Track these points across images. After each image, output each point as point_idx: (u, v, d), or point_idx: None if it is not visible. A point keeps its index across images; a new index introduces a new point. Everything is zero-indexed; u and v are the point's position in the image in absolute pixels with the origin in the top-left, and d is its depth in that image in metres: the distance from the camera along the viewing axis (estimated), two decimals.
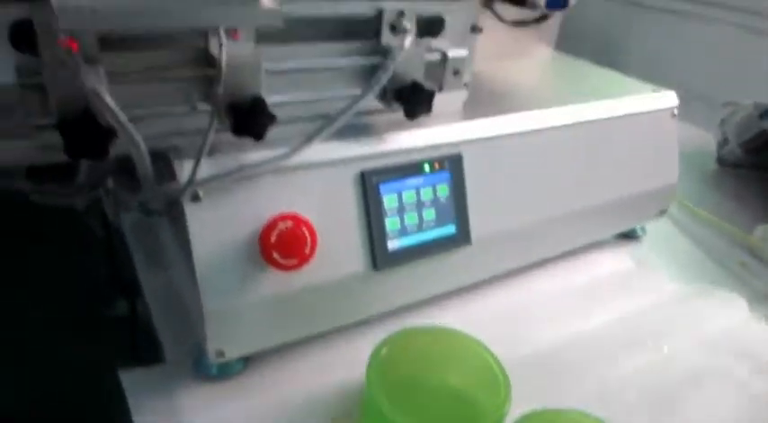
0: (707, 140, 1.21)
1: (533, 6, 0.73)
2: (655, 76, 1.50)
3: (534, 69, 0.87)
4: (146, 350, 0.66)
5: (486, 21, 0.84)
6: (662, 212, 0.85)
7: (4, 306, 0.81)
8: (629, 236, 0.88)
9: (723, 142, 1.12)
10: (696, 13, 1.45)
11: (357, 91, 0.53)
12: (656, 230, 0.89)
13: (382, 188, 0.57)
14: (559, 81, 0.83)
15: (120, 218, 0.78)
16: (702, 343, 0.69)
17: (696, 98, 1.36)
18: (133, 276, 0.72)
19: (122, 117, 0.41)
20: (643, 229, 0.88)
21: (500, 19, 0.84)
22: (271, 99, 0.48)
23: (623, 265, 0.82)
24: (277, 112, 0.48)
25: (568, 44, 1.00)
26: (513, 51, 0.90)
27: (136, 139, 0.42)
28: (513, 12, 0.80)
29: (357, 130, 0.57)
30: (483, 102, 0.68)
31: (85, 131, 0.40)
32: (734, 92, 1.23)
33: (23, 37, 0.40)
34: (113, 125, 0.41)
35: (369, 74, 0.55)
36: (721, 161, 1.14)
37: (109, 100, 0.40)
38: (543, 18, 0.79)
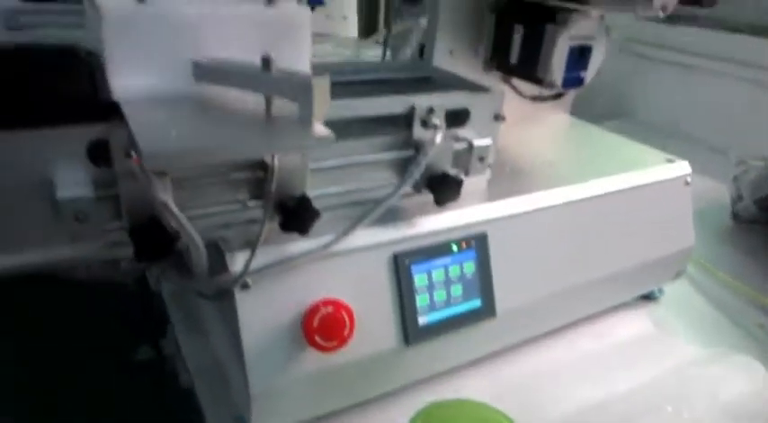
0: (720, 193, 1.23)
1: (550, 86, 0.78)
2: (667, 128, 1.54)
3: (552, 139, 0.91)
4: (187, 414, 0.70)
5: (506, 92, 0.89)
6: (678, 274, 0.88)
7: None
8: (647, 296, 0.90)
9: (737, 198, 1.15)
10: (706, 68, 1.49)
11: (390, 179, 0.57)
12: (674, 290, 0.92)
13: (414, 269, 0.61)
14: (577, 152, 0.87)
15: (161, 285, 0.83)
16: (721, 408, 0.71)
17: (708, 149, 1.40)
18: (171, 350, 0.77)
19: (186, 223, 0.45)
20: (660, 290, 0.91)
21: (519, 94, 0.89)
22: (312, 193, 0.53)
23: (642, 329, 0.84)
24: (315, 202, 0.52)
25: (582, 96, 1.03)
26: (531, 117, 0.94)
27: (196, 242, 0.47)
28: (531, 86, 0.84)
29: (388, 214, 0.61)
30: (505, 178, 0.72)
31: (154, 238, 0.45)
32: (746, 144, 1.26)
33: (100, 153, 0.45)
34: (177, 229, 0.46)
35: (401, 164, 0.60)
36: (736, 217, 1.17)
37: (176, 210, 0.44)
38: (560, 95, 0.84)
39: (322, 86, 0.42)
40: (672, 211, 0.83)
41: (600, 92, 1.40)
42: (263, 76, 0.43)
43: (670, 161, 0.84)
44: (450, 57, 0.83)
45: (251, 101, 0.44)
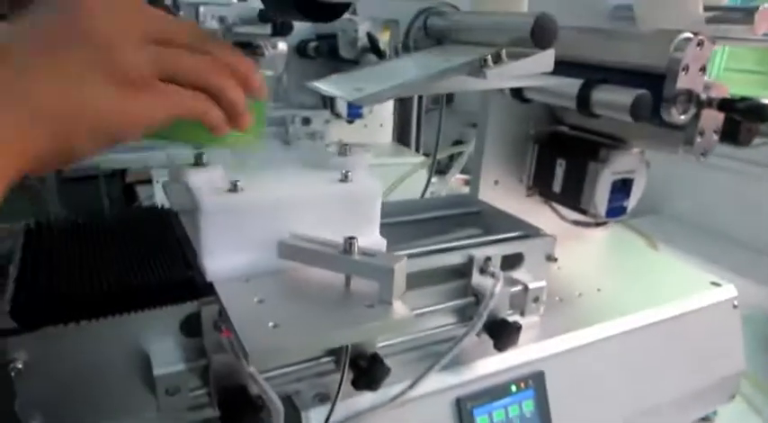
0: (764, 296, 1.23)
1: (594, 216, 0.82)
2: (696, 223, 1.55)
3: (595, 260, 0.93)
4: None
5: (546, 211, 0.92)
6: (732, 397, 0.88)
7: None
8: (702, 418, 0.89)
9: None
10: (730, 167, 1.52)
11: (450, 324, 0.60)
12: (729, 410, 0.91)
13: (476, 412, 0.63)
14: (622, 276, 0.89)
15: None
16: None
17: (749, 249, 1.41)
18: None
19: (271, 392, 0.48)
20: (714, 412, 0.90)
21: (561, 217, 0.92)
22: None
23: None
24: (379, 351, 0.55)
25: None
26: (573, 234, 0.97)
27: (278, 407, 0.49)
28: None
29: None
30: (556, 309, 0.74)
31: (241, 407, 0.47)
32: None
33: (192, 326, 0.49)
34: (260, 394, 0.48)
35: (460, 309, 0.62)
36: None
37: (262, 380, 0.47)
38: (603, 223, 0.87)
39: (401, 269, 0.45)
40: (721, 334, 0.84)
41: None
42: (345, 258, 0.46)
43: (716, 285, 0.85)
44: (494, 186, 0.87)
45: (331, 275, 0.48)
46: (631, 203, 0.83)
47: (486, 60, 0.56)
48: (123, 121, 0.34)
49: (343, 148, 0.57)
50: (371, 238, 0.54)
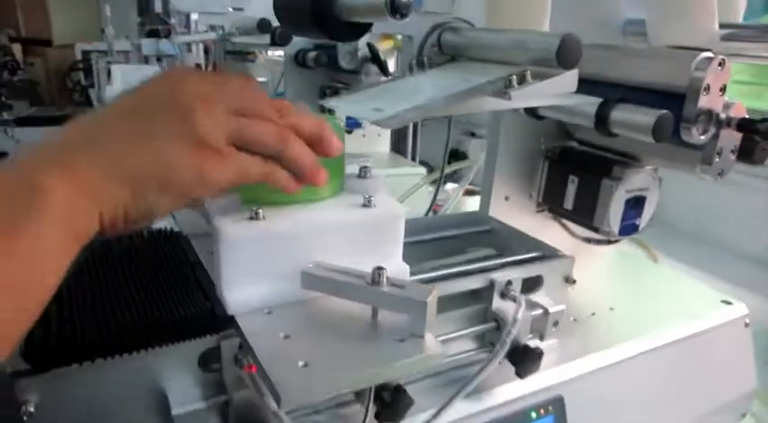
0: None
1: (607, 234, 0.80)
2: (695, 234, 1.54)
3: (606, 278, 0.92)
4: None
5: (555, 227, 0.91)
6: (743, 416, 0.87)
7: None
8: None
9: None
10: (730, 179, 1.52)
11: (471, 350, 0.58)
12: None
13: None
14: (634, 295, 0.88)
15: None
16: None
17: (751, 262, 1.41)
18: None
19: None
20: None
21: (571, 234, 0.91)
22: None
23: None
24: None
25: None
26: (582, 250, 0.96)
27: None
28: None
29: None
30: (571, 331, 0.73)
31: None
32: None
33: (211, 361, 0.47)
34: None
35: (480, 335, 0.61)
36: None
37: (286, 418, 0.45)
38: (615, 241, 0.86)
39: (433, 302, 0.43)
40: (734, 353, 0.83)
41: None
42: (374, 289, 0.44)
43: (727, 303, 0.85)
44: (505, 202, 0.86)
45: (356, 304, 0.46)
46: (643, 221, 0.82)
47: (510, 81, 0.54)
48: (195, 179, 0.37)
49: (363, 171, 0.55)
50: (395, 264, 0.52)
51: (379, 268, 0.44)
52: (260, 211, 0.46)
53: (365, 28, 0.53)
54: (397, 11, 0.44)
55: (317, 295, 0.47)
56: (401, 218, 0.52)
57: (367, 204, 0.51)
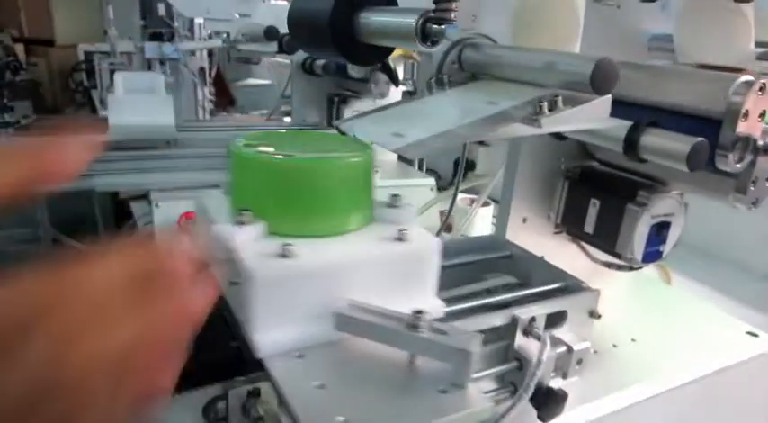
0: None
1: (630, 261, 0.77)
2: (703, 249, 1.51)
3: (625, 306, 0.88)
4: None
5: (573, 249, 0.87)
6: None
7: None
8: None
9: None
10: None
11: (491, 390, 0.55)
12: None
13: None
14: (655, 325, 0.84)
15: None
16: None
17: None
18: None
19: None
20: None
21: (591, 258, 0.87)
22: None
23: None
24: None
25: None
26: (600, 274, 0.92)
27: None
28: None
29: None
30: (593, 364, 0.69)
31: None
32: None
33: (215, 411, 0.43)
34: None
35: (504, 374, 0.57)
36: None
37: None
38: (637, 268, 0.82)
39: (476, 350, 0.40)
40: (759, 387, 0.79)
41: None
42: (413, 335, 0.41)
43: (753, 335, 0.81)
44: (522, 224, 0.82)
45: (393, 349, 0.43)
46: (667, 248, 0.78)
47: (541, 107, 0.51)
48: None
49: (394, 199, 0.52)
50: (429, 301, 0.49)
51: (418, 312, 0.41)
52: (291, 247, 0.42)
53: (387, 52, 0.50)
54: (428, 38, 0.40)
55: (349, 335, 0.44)
56: (437, 253, 0.49)
57: (401, 238, 0.47)
